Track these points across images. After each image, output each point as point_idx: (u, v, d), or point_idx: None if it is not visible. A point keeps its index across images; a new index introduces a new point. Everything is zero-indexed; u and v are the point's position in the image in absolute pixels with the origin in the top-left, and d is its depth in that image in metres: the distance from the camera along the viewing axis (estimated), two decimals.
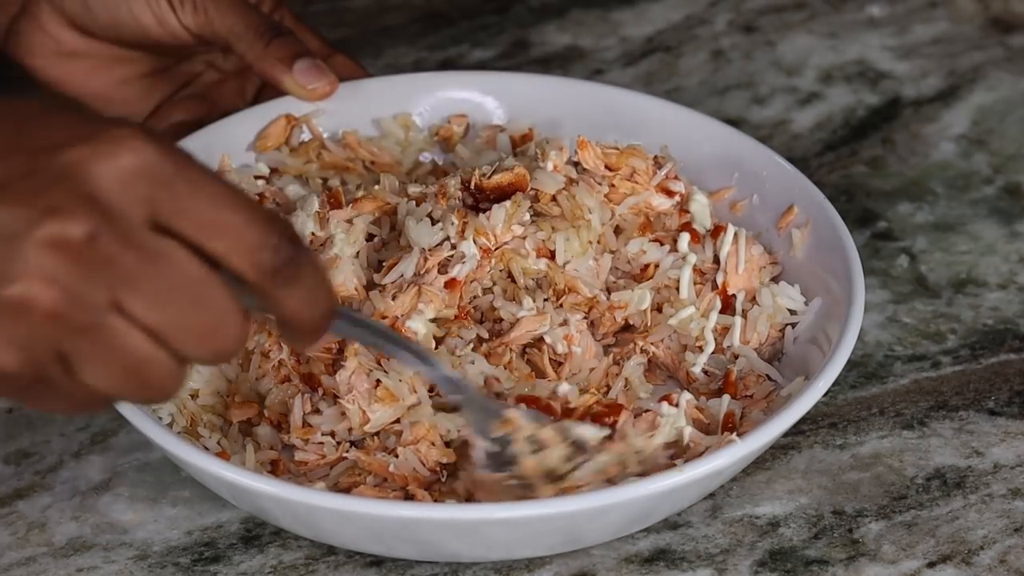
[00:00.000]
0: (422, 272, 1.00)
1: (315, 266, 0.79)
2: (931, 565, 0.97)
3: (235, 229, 0.76)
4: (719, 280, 1.05)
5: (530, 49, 1.37)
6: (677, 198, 1.07)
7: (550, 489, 0.93)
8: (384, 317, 0.98)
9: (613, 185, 1.06)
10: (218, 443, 0.99)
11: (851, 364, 1.09)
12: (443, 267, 1.00)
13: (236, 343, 0.77)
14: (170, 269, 0.75)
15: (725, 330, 1.04)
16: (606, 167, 1.07)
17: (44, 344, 0.75)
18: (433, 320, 1.00)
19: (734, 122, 1.23)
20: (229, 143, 1.13)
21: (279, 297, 0.77)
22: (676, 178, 1.08)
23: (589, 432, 0.94)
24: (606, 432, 0.94)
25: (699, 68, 1.35)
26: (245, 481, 0.91)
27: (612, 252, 1.06)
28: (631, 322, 1.05)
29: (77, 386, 0.77)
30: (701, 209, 1.08)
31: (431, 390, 0.97)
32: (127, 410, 0.94)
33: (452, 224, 1.01)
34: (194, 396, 1.01)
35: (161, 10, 1.11)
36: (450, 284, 1.00)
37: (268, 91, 1.15)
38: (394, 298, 0.99)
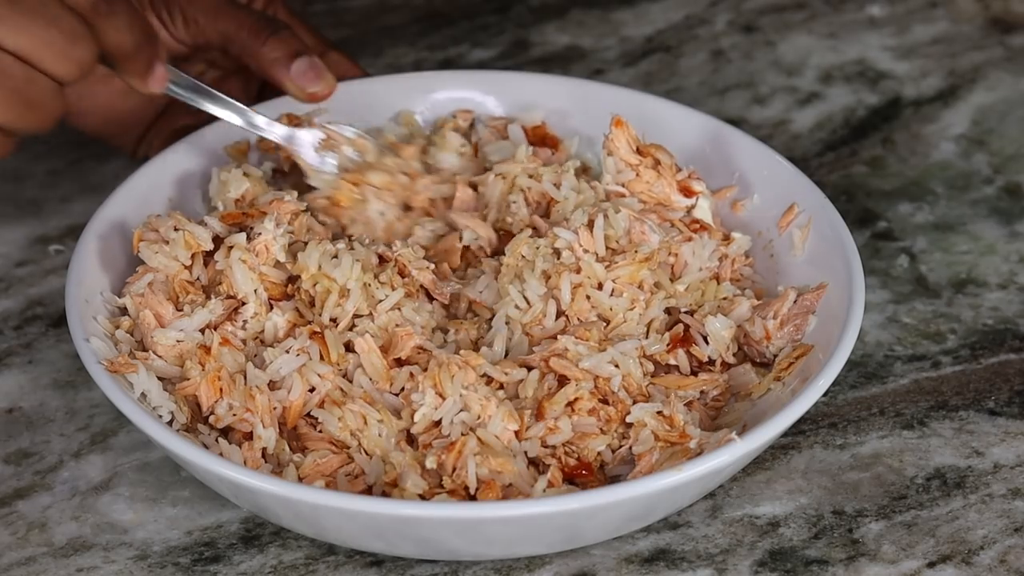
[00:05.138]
0: None
1: (128, 4, 0.98)
2: (931, 565, 0.97)
3: None
4: None
5: (530, 49, 1.37)
6: (695, 199, 1.08)
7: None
8: None
9: (638, 173, 1.07)
10: (216, 440, 0.99)
11: (851, 364, 1.09)
12: None
13: (89, 54, 0.96)
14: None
15: None
16: (637, 150, 1.07)
17: None
18: None
19: (734, 122, 1.24)
20: (231, 141, 1.13)
21: (102, 27, 0.96)
22: (698, 178, 1.08)
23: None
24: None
25: (699, 68, 1.35)
26: (248, 480, 0.91)
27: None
28: None
29: None
30: (704, 214, 1.08)
31: None
32: (128, 408, 0.94)
33: None
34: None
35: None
36: None
37: (271, 85, 1.15)
38: None
